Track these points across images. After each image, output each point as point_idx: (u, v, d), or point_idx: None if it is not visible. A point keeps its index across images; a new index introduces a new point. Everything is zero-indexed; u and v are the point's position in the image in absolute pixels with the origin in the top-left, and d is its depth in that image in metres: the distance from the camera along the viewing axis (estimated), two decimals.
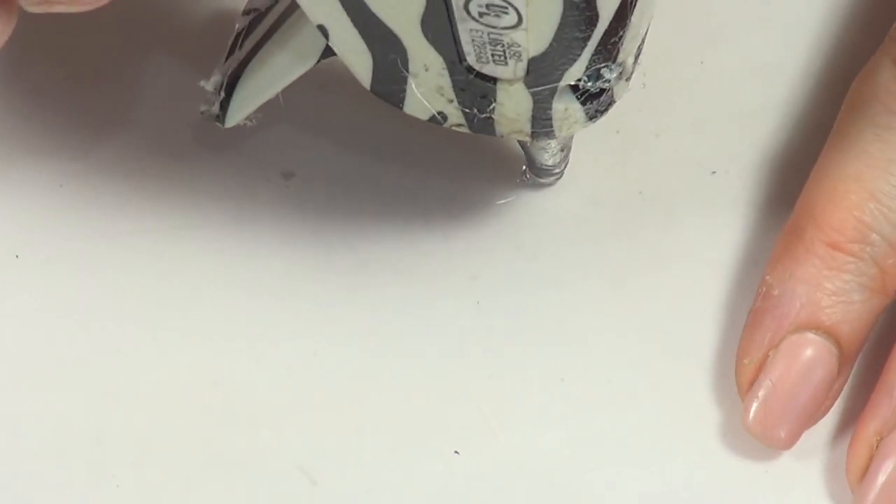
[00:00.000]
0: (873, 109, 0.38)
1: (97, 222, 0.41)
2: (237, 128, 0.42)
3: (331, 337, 0.39)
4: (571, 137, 0.39)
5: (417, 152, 0.42)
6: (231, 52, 0.38)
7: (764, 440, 0.37)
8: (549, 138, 0.36)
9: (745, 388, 0.37)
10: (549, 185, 0.41)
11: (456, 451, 0.38)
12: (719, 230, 0.41)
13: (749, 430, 0.37)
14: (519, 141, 0.39)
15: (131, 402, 0.38)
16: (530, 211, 0.41)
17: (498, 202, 0.41)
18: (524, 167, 0.41)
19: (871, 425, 0.36)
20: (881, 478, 0.36)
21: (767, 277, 0.38)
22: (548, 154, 0.39)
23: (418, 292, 0.40)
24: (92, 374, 0.39)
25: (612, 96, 0.34)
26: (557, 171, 0.40)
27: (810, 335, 0.37)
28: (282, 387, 0.39)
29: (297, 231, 0.41)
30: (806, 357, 0.37)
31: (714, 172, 0.42)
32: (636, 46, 0.33)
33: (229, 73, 0.37)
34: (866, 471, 0.36)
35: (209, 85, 0.38)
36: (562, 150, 0.39)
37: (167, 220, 0.41)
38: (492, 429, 0.38)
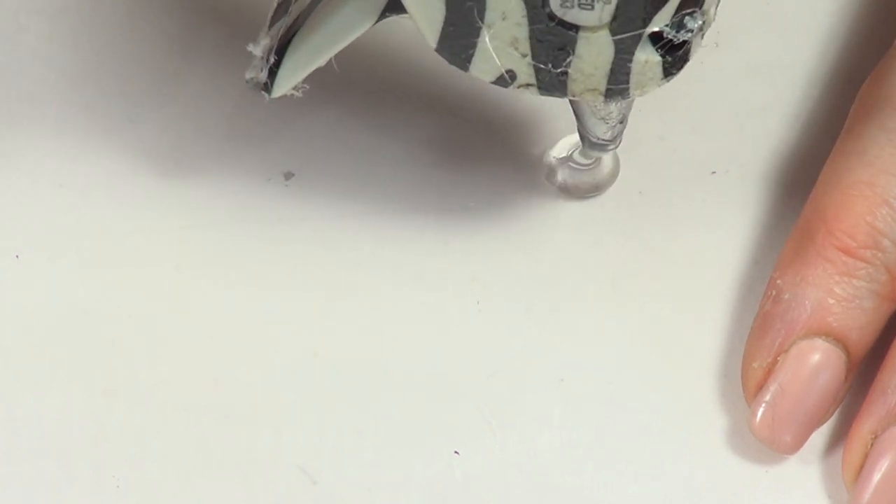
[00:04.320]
0: (884, 114, 0.38)
1: (97, 222, 0.41)
2: (237, 127, 0.42)
3: (331, 337, 0.39)
4: (629, 108, 0.38)
5: (418, 152, 0.42)
6: (277, 15, 0.36)
7: (770, 444, 0.37)
8: (623, 97, 0.36)
9: (753, 391, 0.37)
10: (592, 163, 0.41)
11: (456, 451, 0.38)
12: (719, 230, 0.41)
13: (756, 434, 0.37)
14: (575, 112, 0.39)
15: (131, 402, 0.38)
16: (530, 211, 0.41)
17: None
18: (549, 161, 0.40)
19: (867, 424, 0.37)
20: (876, 476, 0.36)
21: (778, 281, 0.38)
22: (606, 126, 0.38)
23: (418, 292, 0.40)
24: (92, 374, 0.39)
25: (690, 51, 0.34)
26: (612, 146, 0.40)
27: (819, 341, 0.37)
28: (282, 387, 0.39)
29: (297, 231, 0.41)
30: (815, 363, 0.37)
31: (714, 172, 0.42)
32: None
33: (280, 34, 0.36)
34: (862, 469, 0.36)
35: (257, 49, 0.36)
36: (620, 123, 0.39)
37: (167, 220, 0.41)
38: (492, 429, 0.38)
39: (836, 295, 0.37)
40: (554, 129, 0.42)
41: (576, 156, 0.41)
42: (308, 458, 0.38)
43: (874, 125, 0.38)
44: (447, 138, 0.42)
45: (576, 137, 0.41)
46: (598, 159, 0.41)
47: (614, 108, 0.37)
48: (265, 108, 0.43)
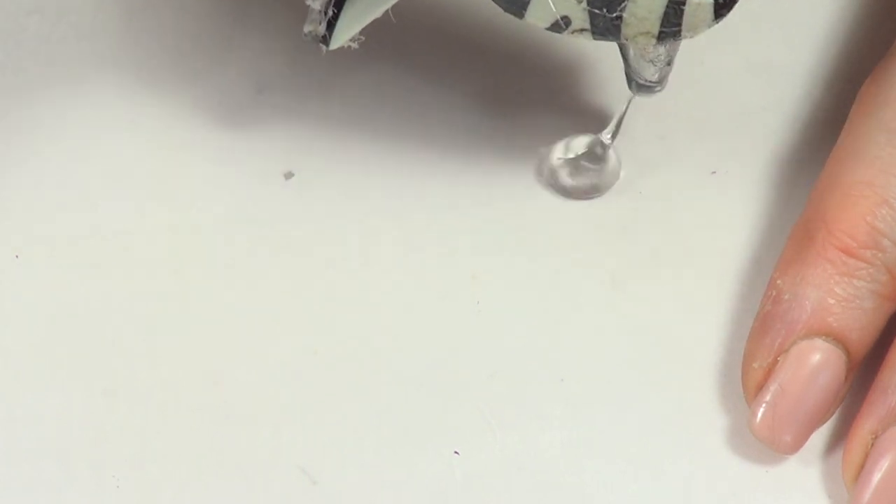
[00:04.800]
0: (884, 114, 0.38)
1: (98, 222, 0.41)
2: (238, 127, 0.42)
3: (331, 337, 0.39)
4: (676, 50, 0.39)
5: (417, 152, 0.42)
6: None
7: (770, 444, 0.37)
8: (675, 39, 0.36)
9: (753, 391, 0.37)
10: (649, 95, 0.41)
11: (456, 452, 0.38)
12: (719, 230, 0.41)
13: (756, 434, 0.37)
14: (623, 54, 0.39)
15: (131, 402, 0.38)
16: (530, 211, 0.41)
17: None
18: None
19: (867, 424, 0.37)
20: (876, 476, 0.36)
21: (778, 281, 0.38)
22: (654, 68, 0.39)
23: (418, 292, 0.40)
24: (92, 374, 0.39)
25: None
26: (659, 87, 0.40)
27: (819, 341, 0.37)
28: (282, 387, 0.39)
29: (297, 231, 0.41)
30: (815, 363, 0.37)
31: (714, 172, 0.42)
32: None
33: None
34: (862, 469, 0.36)
35: (316, 3, 0.36)
36: (668, 64, 0.39)
37: (167, 220, 0.41)
38: (492, 429, 0.38)
39: (836, 295, 0.37)
40: (555, 129, 0.42)
41: (577, 156, 0.41)
42: (308, 458, 0.38)
43: (874, 125, 0.38)
44: (447, 138, 0.42)
45: (577, 138, 0.41)
46: (601, 161, 0.41)
47: (663, 49, 0.38)
48: (265, 108, 0.43)
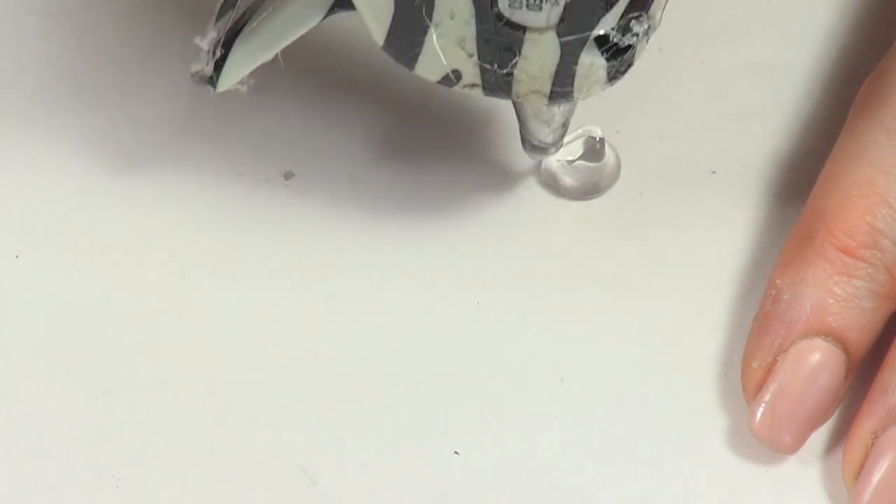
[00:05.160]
0: (884, 114, 0.38)
1: (97, 222, 0.41)
2: (238, 127, 0.42)
3: (331, 337, 0.39)
4: (572, 112, 0.38)
5: (417, 152, 0.42)
6: (224, 8, 0.36)
7: (770, 444, 0.37)
8: (567, 100, 0.36)
9: (753, 391, 0.37)
10: (535, 161, 0.41)
11: (456, 452, 0.38)
12: (720, 230, 0.41)
13: (755, 434, 0.37)
14: (518, 114, 0.39)
15: (130, 403, 0.38)
16: (530, 211, 0.41)
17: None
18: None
19: (867, 424, 0.37)
20: (876, 476, 0.36)
21: (777, 281, 0.38)
22: (548, 129, 0.39)
23: (418, 292, 0.40)
24: (92, 374, 0.39)
25: (635, 55, 0.34)
26: (553, 149, 0.40)
27: (819, 341, 0.37)
28: (282, 387, 0.39)
29: (297, 231, 0.41)
30: (814, 363, 0.37)
31: (714, 172, 0.42)
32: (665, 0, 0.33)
33: (227, 28, 0.36)
34: (862, 469, 0.36)
35: (204, 42, 0.36)
36: (562, 126, 0.39)
37: (167, 220, 0.41)
38: (492, 429, 0.38)
39: (835, 295, 0.37)
40: None
41: (576, 156, 0.41)
42: (308, 458, 0.38)
43: (874, 125, 0.38)
44: (447, 138, 0.42)
45: (576, 138, 0.41)
46: (600, 161, 0.41)
47: (557, 111, 0.38)
48: (265, 108, 0.43)
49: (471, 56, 0.34)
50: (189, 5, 0.44)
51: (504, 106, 0.42)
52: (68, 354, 0.39)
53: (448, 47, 0.34)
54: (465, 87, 0.35)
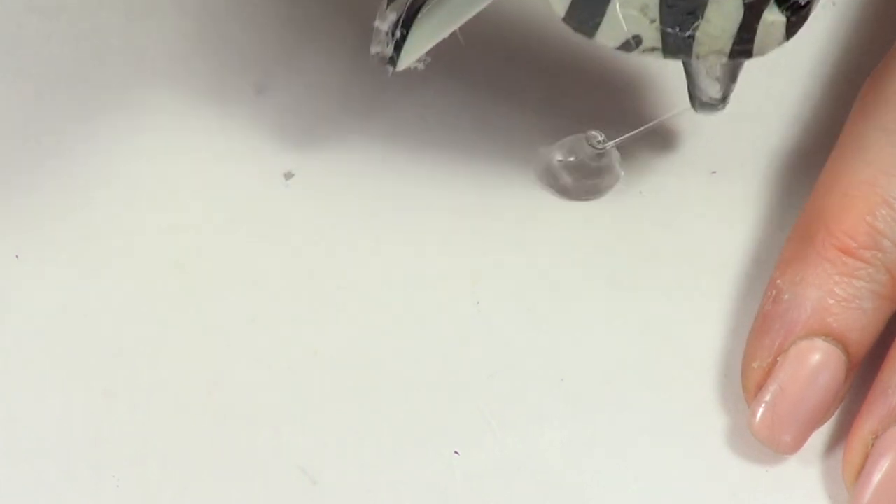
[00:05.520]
0: (884, 113, 0.38)
1: (97, 222, 0.41)
2: (238, 127, 0.42)
3: (331, 337, 0.39)
4: (741, 67, 0.38)
5: (418, 152, 0.42)
6: None
7: (770, 444, 0.37)
8: (746, 58, 0.36)
9: (753, 391, 0.37)
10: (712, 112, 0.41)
11: (456, 452, 0.38)
12: (720, 230, 0.41)
13: (755, 434, 0.37)
14: (688, 72, 0.39)
15: (131, 402, 0.38)
16: (530, 211, 0.41)
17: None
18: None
19: (867, 424, 0.37)
20: (877, 476, 0.36)
21: (778, 281, 0.38)
22: (719, 85, 0.39)
23: (418, 292, 0.40)
24: (92, 374, 0.39)
25: (811, 10, 0.34)
26: (722, 105, 0.40)
27: (819, 341, 0.37)
28: (282, 387, 0.39)
29: (297, 231, 0.41)
30: (814, 363, 0.37)
31: (714, 172, 0.42)
32: None
33: (406, 7, 0.36)
34: (862, 469, 0.36)
35: (384, 24, 0.36)
36: (733, 81, 0.39)
37: (167, 220, 0.41)
38: (492, 429, 0.38)
39: (835, 295, 0.37)
40: (556, 130, 0.42)
41: (577, 156, 0.41)
42: (308, 458, 0.38)
43: (874, 125, 0.38)
44: (447, 138, 0.42)
45: (577, 138, 0.41)
46: (601, 161, 0.41)
47: (730, 67, 0.38)
48: (265, 108, 0.43)
49: (653, 22, 0.35)
50: (189, 6, 0.44)
51: (505, 106, 0.42)
52: (68, 354, 0.39)
53: (630, 14, 0.34)
54: (644, 51, 0.36)
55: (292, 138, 0.42)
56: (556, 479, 0.37)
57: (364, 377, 0.39)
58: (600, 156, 0.41)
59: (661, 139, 0.42)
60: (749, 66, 0.44)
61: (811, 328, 0.37)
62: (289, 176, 0.42)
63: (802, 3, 0.34)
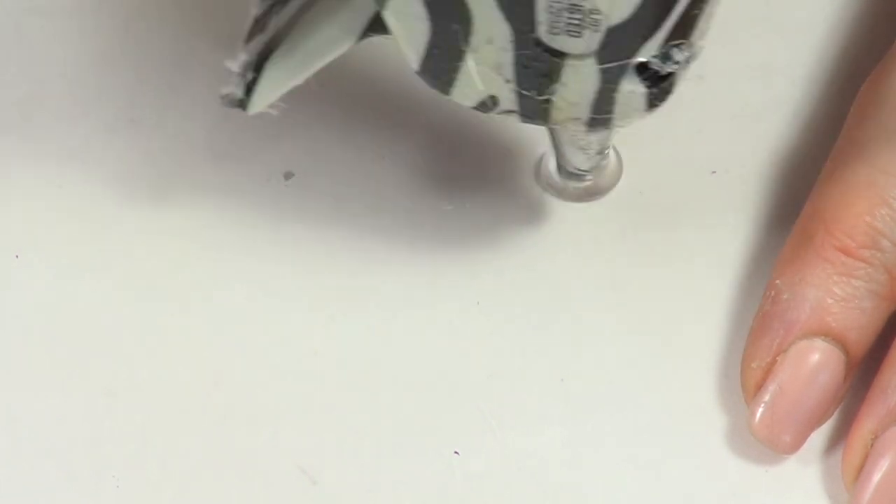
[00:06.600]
0: (884, 114, 0.38)
1: (97, 222, 0.41)
2: (238, 127, 0.42)
3: (331, 337, 0.39)
4: (609, 139, 0.38)
5: (417, 153, 0.42)
6: (253, 32, 0.35)
7: (769, 444, 0.37)
8: (605, 127, 0.35)
9: (752, 391, 0.37)
10: (573, 193, 0.41)
11: (456, 452, 0.38)
12: (720, 230, 0.41)
13: (755, 434, 0.37)
14: (554, 140, 0.38)
15: (131, 402, 0.38)
16: (530, 211, 0.41)
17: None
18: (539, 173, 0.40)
19: (867, 424, 0.36)
20: (876, 476, 0.36)
21: (777, 281, 0.38)
22: (585, 156, 0.38)
23: (418, 292, 0.40)
24: (92, 374, 0.39)
25: (674, 84, 0.33)
26: (588, 176, 0.40)
27: (818, 341, 0.37)
28: (282, 387, 0.39)
29: (297, 231, 0.41)
30: (814, 363, 0.37)
31: (714, 172, 0.42)
32: (707, 27, 0.32)
33: (258, 50, 0.35)
34: (862, 469, 0.36)
35: (235, 66, 0.35)
36: (598, 153, 0.38)
37: (167, 220, 0.41)
38: (492, 429, 0.38)
39: (835, 295, 0.37)
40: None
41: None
42: (308, 458, 0.38)
43: (874, 125, 0.38)
44: (447, 139, 0.42)
45: None
46: (603, 162, 0.41)
47: (594, 138, 0.37)
48: (266, 109, 0.43)
49: (508, 82, 0.33)
50: (188, 6, 0.44)
51: None
52: (68, 354, 0.39)
53: (485, 73, 0.33)
54: (501, 112, 0.34)
55: (292, 138, 0.42)
56: (556, 479, 0.37)
57: (364, 377, 0.39)
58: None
59: (661, 139, 0.42)
60: (749, 66, 0.44)
61: (810, 328, 0.37)
62: (289, 176, 0.42)
63: (663, 75, 0.33)
